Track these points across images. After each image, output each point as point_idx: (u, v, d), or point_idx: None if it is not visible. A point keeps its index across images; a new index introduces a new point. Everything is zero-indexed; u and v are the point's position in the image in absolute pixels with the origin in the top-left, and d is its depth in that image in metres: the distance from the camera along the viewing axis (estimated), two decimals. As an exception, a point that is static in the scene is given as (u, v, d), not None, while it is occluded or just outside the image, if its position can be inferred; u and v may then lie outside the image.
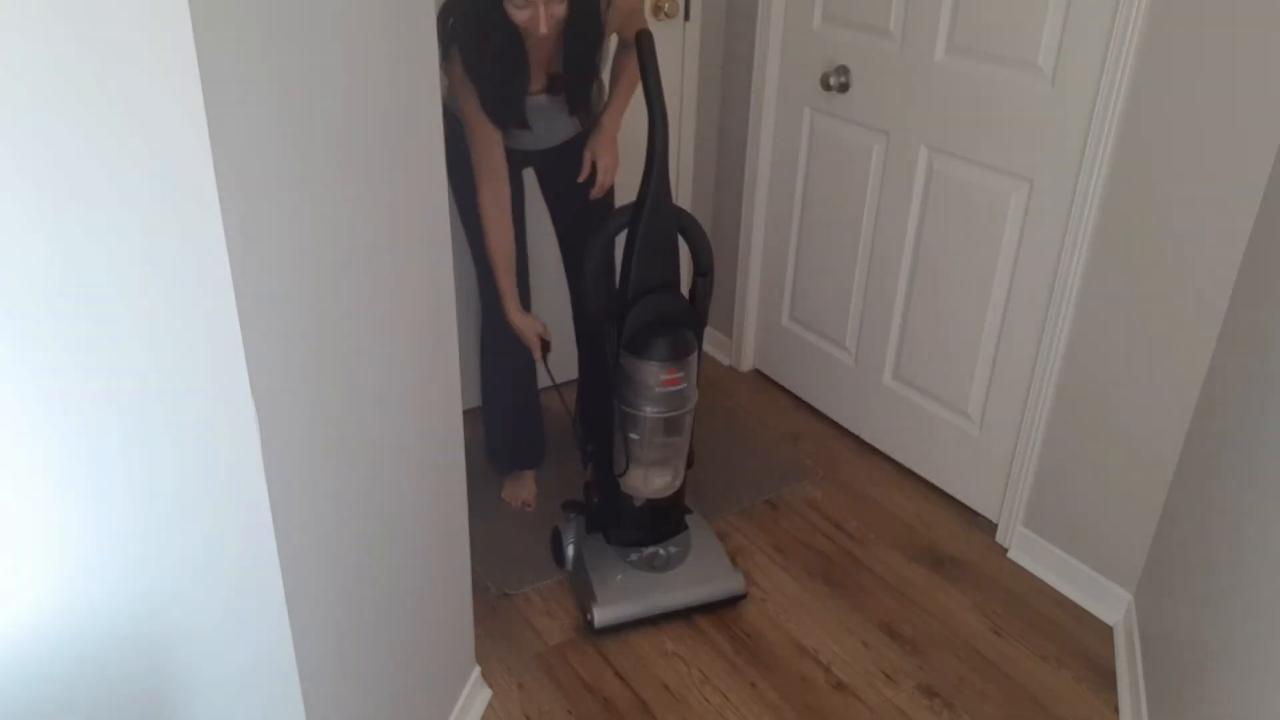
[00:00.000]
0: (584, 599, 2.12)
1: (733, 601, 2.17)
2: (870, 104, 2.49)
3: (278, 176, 1.03)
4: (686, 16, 2.81)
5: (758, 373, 3.13)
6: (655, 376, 1.97)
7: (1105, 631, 2.15)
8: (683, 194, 3.03)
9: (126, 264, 0.92)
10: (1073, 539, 2.23)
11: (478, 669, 1.92)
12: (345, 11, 1.13)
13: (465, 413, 1.73)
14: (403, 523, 1.47)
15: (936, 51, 2.28)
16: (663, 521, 2.20)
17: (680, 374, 1.99)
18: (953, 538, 2.43)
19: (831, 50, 2.55)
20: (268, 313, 1.03)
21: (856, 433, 2.80)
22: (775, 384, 3.06)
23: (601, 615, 2.06)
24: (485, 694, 1.93)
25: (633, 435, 2.04)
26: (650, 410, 2.01)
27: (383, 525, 1.41)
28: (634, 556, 2.16)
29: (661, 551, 2.18)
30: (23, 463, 0.97)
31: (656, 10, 2.74)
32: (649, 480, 2.12)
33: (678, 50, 2.84)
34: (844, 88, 2.53)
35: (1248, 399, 1.59)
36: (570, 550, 2.22)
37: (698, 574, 2.17)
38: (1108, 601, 2.18)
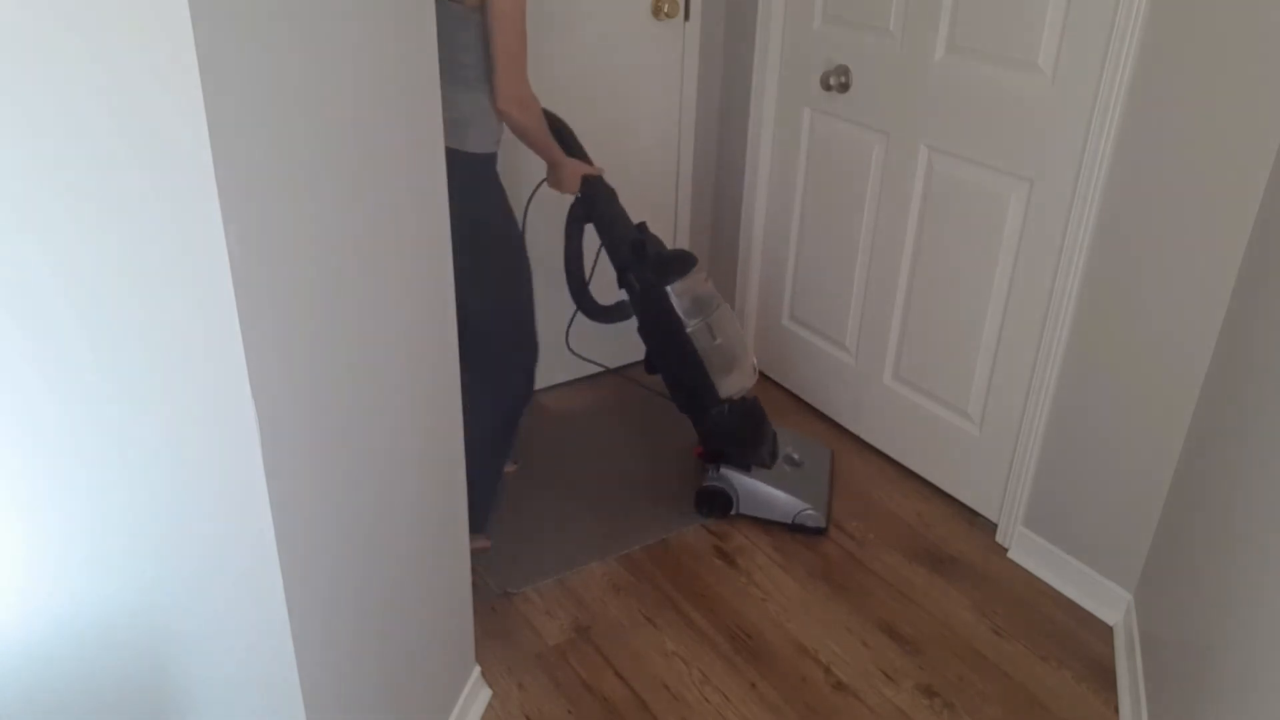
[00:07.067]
0: (790, 509, 2.40)
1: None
2: (870, 104, 2.49)
3: (278, 176, 1.03)
4: (686, 16, 2.81)
5: (758, 372, 3.13)
6: (700, 281, 2.31)
7: (1105, 631, 2.16)
8: (683, 194, 3.03)
9: (126, 263, 0.92)
10: (1073, 539, 2.23)
11: (478, 669, 1.92)
12: (346, 8, 1.13)
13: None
14: (403, 522, 1.47)
15: (936, 51, 2.28)
16: (767, 426, 2.50)
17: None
18: (953, 538, 2.43)
19: (831, 50, 2.55)
20: (268, 313, 1.03)
21: (856, 433, 2.80)
22: (775, 384, 3.06)
23: (817, 516, 2.40)
24: (485, 694, 1.93)
25: (717, 341, 2.32)
26: (714, 308, 2.33)
27: (383, 525, 1.41)
28: (779, 463, 2.47)
29: (794, 455, 2.51)
30: (22, 463, 0.97)
31: (656, 10, 2.74)
32: (744, 373, 2.42)
33: (678, 50, 2.84)
34: (844, 88, 2.53)
35: (1248, 397, 1.59)
36: (738, 494, 2.43)
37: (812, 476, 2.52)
38: (1108, 601, 2.18)
